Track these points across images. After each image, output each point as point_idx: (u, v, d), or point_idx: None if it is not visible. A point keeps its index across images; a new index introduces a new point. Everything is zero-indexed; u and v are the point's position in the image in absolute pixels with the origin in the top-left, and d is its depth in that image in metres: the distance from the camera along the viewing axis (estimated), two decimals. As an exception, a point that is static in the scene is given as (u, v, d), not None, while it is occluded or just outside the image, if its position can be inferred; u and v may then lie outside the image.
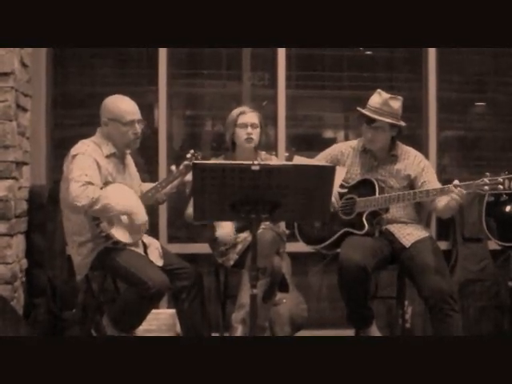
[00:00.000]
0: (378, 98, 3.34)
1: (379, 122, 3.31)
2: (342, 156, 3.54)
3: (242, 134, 3.54)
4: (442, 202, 3.21)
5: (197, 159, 3.37)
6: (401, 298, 3.55)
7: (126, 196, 3.20)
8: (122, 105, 3.25)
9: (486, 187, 2.96)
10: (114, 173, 3.24)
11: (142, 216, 3.24)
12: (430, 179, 3.36)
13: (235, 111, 3.61)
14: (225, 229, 3.52)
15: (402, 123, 3.37)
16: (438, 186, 3.27)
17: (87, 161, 3.09)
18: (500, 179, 2.94)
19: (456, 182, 3.05)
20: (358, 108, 3.39)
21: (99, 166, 3.13)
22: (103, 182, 3.14)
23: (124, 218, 3.17)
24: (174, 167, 3.40)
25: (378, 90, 3.37)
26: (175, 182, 3.40)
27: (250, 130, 3.53)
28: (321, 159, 3.58)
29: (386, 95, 3.33)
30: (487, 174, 2.99)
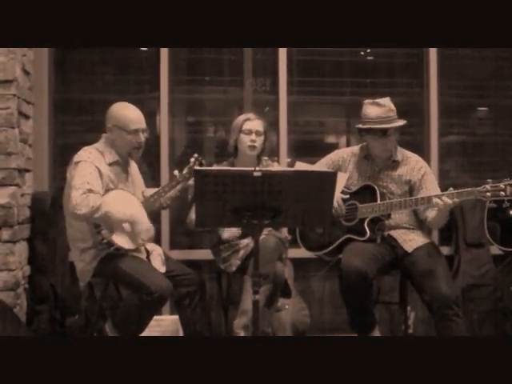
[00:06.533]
0: (377, 109, 3.32)
1: (391, 129, 3.31)
2: (344, 162, 3.54)
3: (245, 140, 3.54)
4: (432, 213, 3.23)
5: (200, 163, 3.37)
6: (403, 304, 3.55)
7: (128, 203, 3.20)
8: (128, 113, 3.25)
9: (488, 194, 2.96)
10: (116, 181, 3.24)
11: (144, 223, 3.24)
12: (429, 186, 3.35)
13: (241, 117, 3.62)
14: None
15: (403, 121, 3.38)
16: (439, 192, 3.27)
17: (89, 168, 3.10)
18: (502, 185, 2.94)
19: (451, 189, 3.06)
20: (368, 125, 3.34)
21: (101, 174, 3.14)
22: (105, 189, 3.14)
23: (126, 225, 3.17)
24: (176, 172, 3.41)
25: (371, 101, 3.35)
26: (178, 187, 3.40)
27: (254, 137, 3.53)
28: (322, 165, 3.58)
29: (382, 102, 3.33)
30: (489, 180, 2.99)
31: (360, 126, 3.38)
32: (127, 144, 3.24)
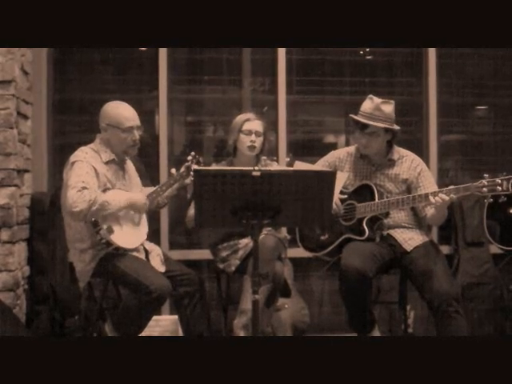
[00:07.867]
0: (369, 104, 3.33)
1: (372, 127, 3.31)
2: (340, 162, 3.54)
3: (245, 140, 3.54)
4: (430, 210, 3.23)
5: (198, 162, 3.37)
6: (403, 303, 3.55)
7: (124, 195, 3.21)
8: (122, 111, 3.25)
9: (485, 189, 2.96)
10: (113, 179, 3.24)
11: (139, 200, 3.24)
12: (426, 184, 3.35)
13: (241, 117, 3.62)
14: None
15: (396, 127, 3.36)
16: (436, 189, 3.27)
17: (85, 168, 3.10)
18: (498, 180, 2.94)
19: (451, 187, 3.06)
20: (351, 115, 3.39)
21: (97, 173, 3.14)
22: (102, 188, 3.14)
23: (124, 212, 3.18)
24: (174, 170, 3.41)
25: (370, 96, 3.36)
26: (176, 185, 3.40)
27: (253, 137, 3.53)
28: (319, 166, 3.57)
29: (377, 100, 3.32)
30: (485, 175, 3.00)
31: (351, 115, 3.39)
32: (122, 142, 3.24)
